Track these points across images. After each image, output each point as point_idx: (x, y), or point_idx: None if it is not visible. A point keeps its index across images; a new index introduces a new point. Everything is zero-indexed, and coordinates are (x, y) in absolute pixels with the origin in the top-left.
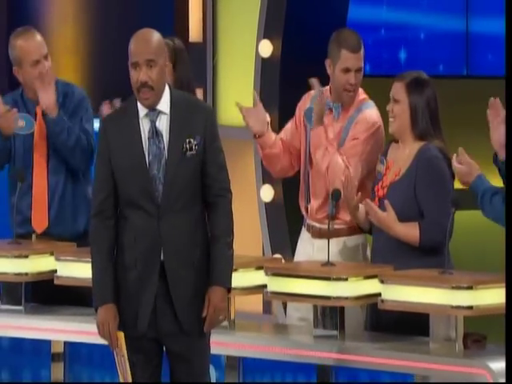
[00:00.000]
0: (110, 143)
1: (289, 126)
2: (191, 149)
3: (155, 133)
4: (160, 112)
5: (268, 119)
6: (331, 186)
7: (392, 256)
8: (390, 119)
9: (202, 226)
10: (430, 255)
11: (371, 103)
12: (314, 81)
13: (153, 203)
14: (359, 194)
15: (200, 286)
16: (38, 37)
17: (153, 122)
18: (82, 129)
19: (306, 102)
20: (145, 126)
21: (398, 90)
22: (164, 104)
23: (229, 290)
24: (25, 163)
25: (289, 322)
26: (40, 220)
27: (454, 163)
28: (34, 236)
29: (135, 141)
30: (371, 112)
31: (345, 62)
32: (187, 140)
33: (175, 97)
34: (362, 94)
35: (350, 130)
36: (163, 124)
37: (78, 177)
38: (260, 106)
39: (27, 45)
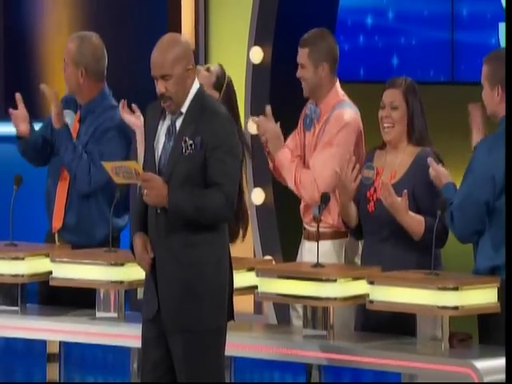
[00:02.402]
0: (144, 130)
1: (293, 133)
2: (187, 148)
3: (172, 131)
4: (180, 112)
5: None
6: (304, 200)
7: (384, 260)
8: (388, 125)
9: (200, 228)
10: (422, 259)
11: (346, 103)
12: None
13: None
14: (358, 177)
15: (190, 286)
16: (75, 43)
17: (172, 121)
18: (93, 157)
19: (305, 110)
20: (166, 124)
21: (396, 96)
22: (186, 105)
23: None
24: (60, 161)
25: (290, 320)
26: (57, 219)
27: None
28: (56, 235)
29: (154, 135)
30: (343, 112)
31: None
32: (184, 138)
33: (196, 99)
34: (339, 96)
35: (324, 131)
36: (179, 124)
37: (96, 193)
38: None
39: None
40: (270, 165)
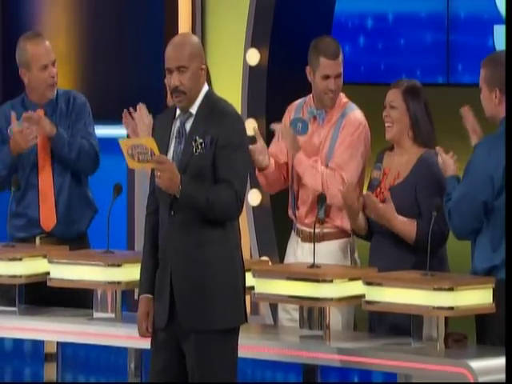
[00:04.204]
0: (154, 137)
1: (275, 139)
2: (197, 147)
3: (182, 133)
4: (190, 114)
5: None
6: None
7: (390, 259)
8: (388, 124)
9: (213, 226)
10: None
11: (353, 105)
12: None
13: (167, 197)
14: (361, 198)
15: (204, 285)
16: (47, 42)
17: (182, 123)
18: (86, 133)
19: (290, 113)
20: (175, 126)
21: (395, 96)
22: (195, 106)
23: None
24: (30, 166)
25: (279, 323)
26: (48, 219)
27: (438, 158)
28: (37, 239)
29: (164, 140)
30: (355, 114)
31: (324, 69)
32: (195, 138)
33: (206, 100)
34: (343, 98)
35: (338, 136)
36: (190, 125)
37: (81, 179)
38: (261, 140)
39: (37, 49)
40: (261, 178)
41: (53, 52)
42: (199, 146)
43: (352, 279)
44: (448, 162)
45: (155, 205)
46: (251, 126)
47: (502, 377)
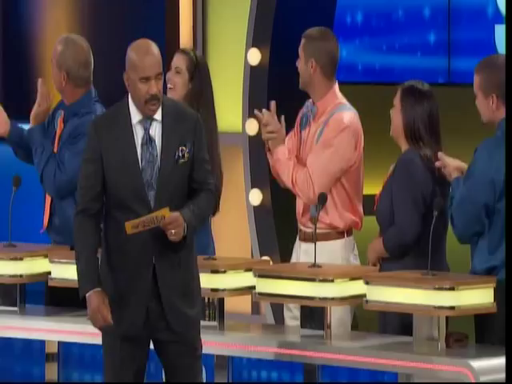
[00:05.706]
0: (102, 144)
1: (288, 136)
2: (183, 156)
3: (148, 140)
4: (153, 119)
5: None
6: (299, 198)
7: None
8: (391, 122)
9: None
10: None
11: (346, 106)
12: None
13: (145, 207)
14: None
15: (189, 288)
16: (61, 46)
17: (146, 130)
18: (61, 158)
19: (303, 109)
20: (138, 133)
21: (396, 95)
22: (159, 112)
23: (187, 227)
24: None
25: (284, 320)
26: (45, 219)
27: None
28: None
29: (129, 146)
30: (343, 115)
31: None
32: (180, 148)
33: (166, 104)
34: (339, 99)
35: (322, 133)
36: (156, 131)
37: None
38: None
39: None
40: (270, 162)
41: (53, 53)
42: (185, 156)
43: (353, 279)
44: (449, 166)
45: (99, 204)
46: (252, 126)
47: (503, 376)
